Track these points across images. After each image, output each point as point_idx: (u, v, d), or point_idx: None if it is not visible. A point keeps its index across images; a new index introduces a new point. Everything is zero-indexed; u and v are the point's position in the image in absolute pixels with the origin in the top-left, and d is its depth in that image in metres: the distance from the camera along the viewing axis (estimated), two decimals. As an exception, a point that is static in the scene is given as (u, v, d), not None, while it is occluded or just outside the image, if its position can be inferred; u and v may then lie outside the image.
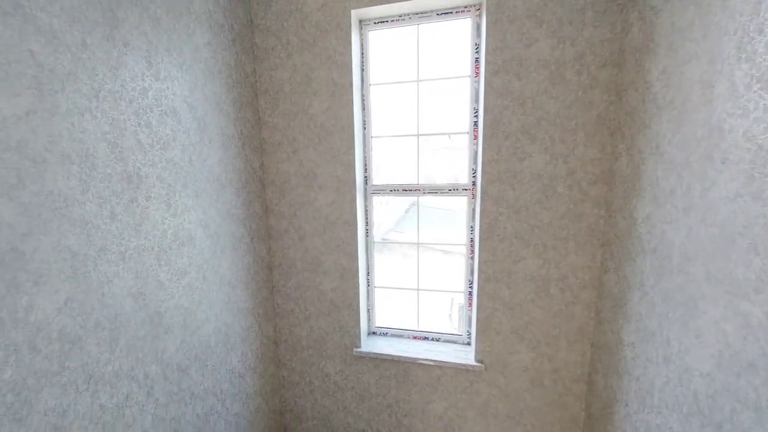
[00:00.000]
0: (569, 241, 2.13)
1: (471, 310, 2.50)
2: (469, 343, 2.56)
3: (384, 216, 6.54)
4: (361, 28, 2.37)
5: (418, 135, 2.59)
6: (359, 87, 2.40)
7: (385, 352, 2.50)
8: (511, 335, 2.30)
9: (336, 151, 2.38)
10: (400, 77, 2.56)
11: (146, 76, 1.52)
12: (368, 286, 2.67)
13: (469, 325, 2.54)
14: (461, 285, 2.64)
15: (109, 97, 1.37)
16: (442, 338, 2.64)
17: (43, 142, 1.17)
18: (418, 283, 2.71)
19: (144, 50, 1.51)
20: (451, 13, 2.25)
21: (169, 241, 1.66)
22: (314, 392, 2.72)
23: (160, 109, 1.60)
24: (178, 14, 1.68)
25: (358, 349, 2.54)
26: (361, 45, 2.40)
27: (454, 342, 2.62)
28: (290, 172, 2.44)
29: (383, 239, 6.31)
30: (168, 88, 1.63)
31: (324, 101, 2.33)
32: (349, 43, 2.24)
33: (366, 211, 2.59)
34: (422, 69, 2.47)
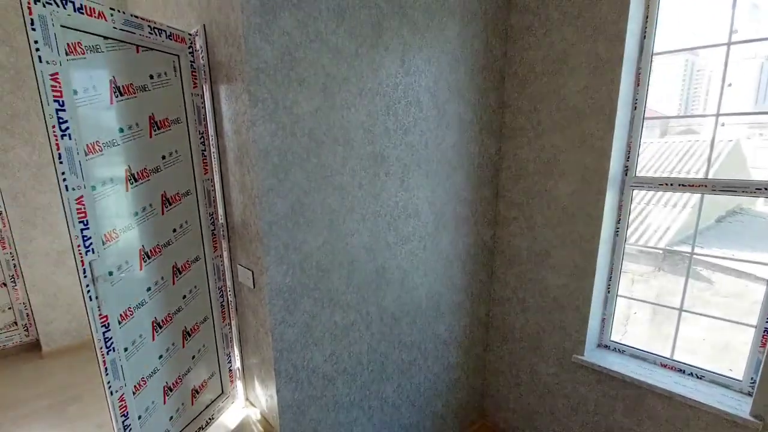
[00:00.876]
0: None
1: (762, 352, 1.93)
2: (750, 393, 2.03)
3: (672, 221, 5.24)
4: (651, -15, 2.04)
5: (717, 115, 2.07)
6: (633, 59, 2.12)
7: (614, 369, 2.30)
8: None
9: (587, 136, 2.23)
10: (698, 41, 2.05)
11: (398, 74, 1.95)
12: (607, 292, 2.44)
13: (756, 371, 2.00)
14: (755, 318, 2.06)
15: (369, 93, 1.87)
16: (708, 377, 2.20)
17: (323, 129, 1.77)
18: (682, 303, 2.24)
19: (399, 51, 1.93)
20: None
21: (399, 212, 2.12)
22: (520, 386, 2.79)
23: (406, 100, 2.01)
24: (432, 13, 2.01)
25: (580, 357, 2.42)
26: (646, 7, 2.08)
27: (727, 386, 2.13)
28: (528, 158, 2.47)
29: (665, 249, 5.15)
30: (415, 81, 2.02)
31: (581, 80, 2.20)
32: (626, 8, 2.00)
33: (620, 206, 2.34)
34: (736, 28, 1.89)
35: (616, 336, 2.52)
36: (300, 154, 1.73)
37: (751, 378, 2.01)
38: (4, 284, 3.14)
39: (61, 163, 1.37)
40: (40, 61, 1.28)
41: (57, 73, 1.33)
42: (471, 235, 2.57)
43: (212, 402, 2.17)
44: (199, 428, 2.08)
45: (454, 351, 2.68)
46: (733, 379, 2.10)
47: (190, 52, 1.79)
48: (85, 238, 1.46)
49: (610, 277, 2.41)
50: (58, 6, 1.31)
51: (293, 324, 1.87)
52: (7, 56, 2.68)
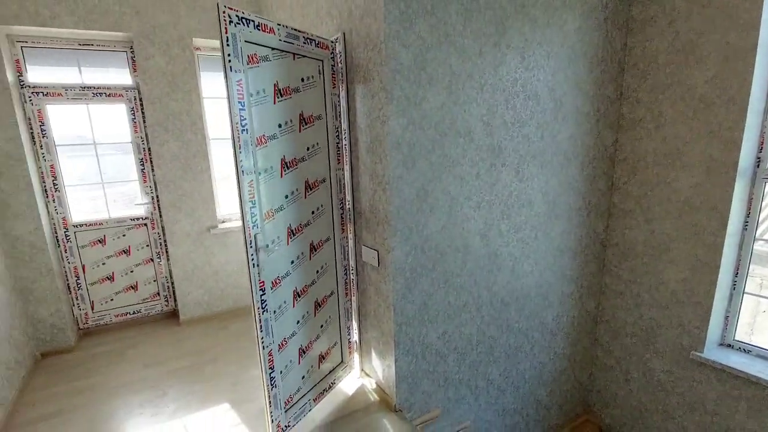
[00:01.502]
0: None
1: None
2: None
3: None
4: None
5: None
6: (770, 46, 2.04)
7: (738, 368, 2.25)
8: None
9: (715, 126, 2.19)
10: None
11: (518, 69, 2.08)
12: (733, 289, 2.36)
13: None
14: None
15: (490, 89, 2.03)
16: None
17: (447, 123, 1.97)
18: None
19: (520, 48, 2.06)
20: None
21: (512, 201, 2.26)
22: (630, 383, 2.78)
23: (524, 94, 2.14)
24: (553, 9, 2.11)
25: (699, 354, 2.39)
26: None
27: None
28: (647, 150, 2.46)
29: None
30: (534, 75, 2.14)
31: (709, 69, 2.16)
32: (764, -7, 1.95)
33: (750, 199, 2.27)
34: None
35: (742, 336, 2.42)
36: (426, 146, 1.95)
37: None
38: (151, 260, 3.80)
39: (240, 152, 1.72)
40: (231, 70, 1.64)
41: (241, 80, 1.68)
42: (583, 226, 2.62)
43: (333, 369, 2.49)
44: (323, 390, 2.40)
45: (561, 341, 2.75)
46: None
47: (331, 57, 2.10)
48: (253, 216, 1.81)
49: (737, 273, 2.33)
50: (244, 25, 1.66)
51: (412, 301, 2.10)
52: (166, 64, 3.25)
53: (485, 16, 1.93)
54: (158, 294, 3.88)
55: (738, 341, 2.40)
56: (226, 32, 1.61)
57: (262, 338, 1.94)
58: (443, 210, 2.07)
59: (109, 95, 3.33)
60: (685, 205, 2.35)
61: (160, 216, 3.63)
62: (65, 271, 3.38)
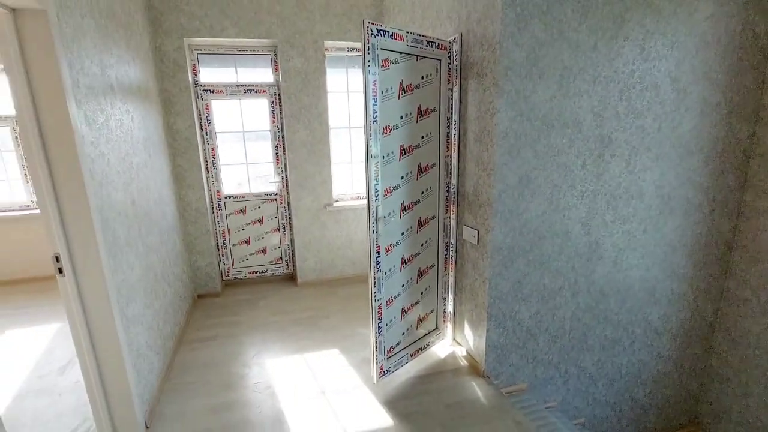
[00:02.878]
0: None
1: None
2: None
3: None
4: None
5: None
6: None
7: None
8: None
9: None
10: None
11: (636, 60, 2.12)
12: None
13: None
14: None
15: (603, 81, 2.11)
16: None
17: (555, 114, 2.11)
18: None
19: (640, 39, 2.09)
20: None
21: (620, 192, 2.31)
22: (749, 397, 2.62)
23: (641, 85, 2.16)
24: (680, -1, 2.09)
25: None
26: None
27: None
28: (790, 146, 2.28)
29: None
30: (654, 66, 2.15)
31: None
32: None
33: None
34: None
35: None
36: (532, 136, 2.11)
37: None
38: (278, 229, 4.50)
39: (371, 139, 2.08)
40: (369, 73, 1.99)
41: (375, 81, 2.03)
42: (703, 224, 2.53)
43: (428, 333, 2.79)
44: (419, 349, 2.72)
45: (666, 343, 2.70)
46: None
47: (448, 56, 2.36)
48: (376, 191, 2.17)
49: None
50: (381, 36, 2.00)
51: (507, 278, 2.30)
52: (302, 64, 3.82)
53: (602, 12, 2.01)
54: (281, 258, 4.57)
55: None
56: (368, 43, 1.97)
57: (375, 293, 2.31)
58: (544, 196, 2.21)
59: (256, 91, 4.00)
60: (833, 208, 2.15)
61: (288, 193, 4.28)
62: (216, 233, 4.20)
